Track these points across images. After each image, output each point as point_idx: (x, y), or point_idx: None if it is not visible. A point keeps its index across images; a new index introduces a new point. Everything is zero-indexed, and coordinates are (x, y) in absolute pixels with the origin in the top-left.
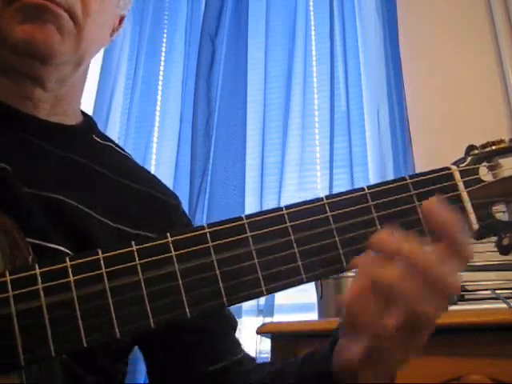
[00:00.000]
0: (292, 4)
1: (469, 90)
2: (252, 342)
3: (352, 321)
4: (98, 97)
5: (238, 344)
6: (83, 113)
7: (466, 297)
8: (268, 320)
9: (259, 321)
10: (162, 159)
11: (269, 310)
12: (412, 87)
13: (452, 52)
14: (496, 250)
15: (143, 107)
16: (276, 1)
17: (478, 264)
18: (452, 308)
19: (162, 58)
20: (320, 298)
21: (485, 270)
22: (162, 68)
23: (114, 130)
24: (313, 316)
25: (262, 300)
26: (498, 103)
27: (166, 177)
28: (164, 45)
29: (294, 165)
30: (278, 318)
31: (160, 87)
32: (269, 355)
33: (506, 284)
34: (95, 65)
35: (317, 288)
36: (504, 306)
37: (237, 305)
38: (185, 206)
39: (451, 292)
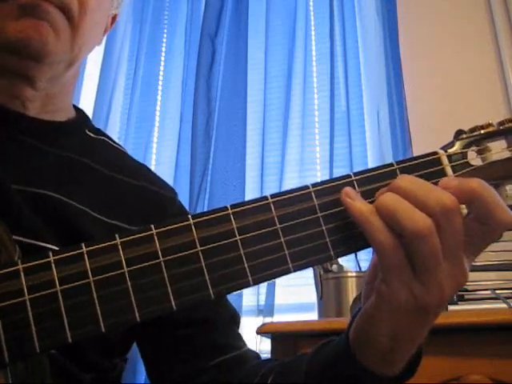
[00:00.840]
0: (292, 4)
1: (469, 90)
2: (252, 342)
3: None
4: (97, 97)
5: (239, 338)
6: (75, 107)
7: (466, 297)
8: (268, 320)
9: (259, 321)
10: (162, 159)
11: (269, 310)
12: (412, 87)
13: (452, 52)
14: (495, 250)
15: (143, 107)
16: (276, 1)
17: (478, 264)
18: (452, 308)
19: (162, 58)
20: (320, 297)
21: (485, 270)
22: (162, 68)
23: (114, 130)
24: (313, 316)
25: (262, 300)
26: (498, 103)
27: (166, 177)
28: (164, 45)
29: (294, 165)
30: (278, 318)
31: (160, 87)
32: (269, 355)
33: (506, 284)
34: (95, 65)
35: (317, 288)
36: (504, 305)
37: (236, 305)
38: (185, 206)
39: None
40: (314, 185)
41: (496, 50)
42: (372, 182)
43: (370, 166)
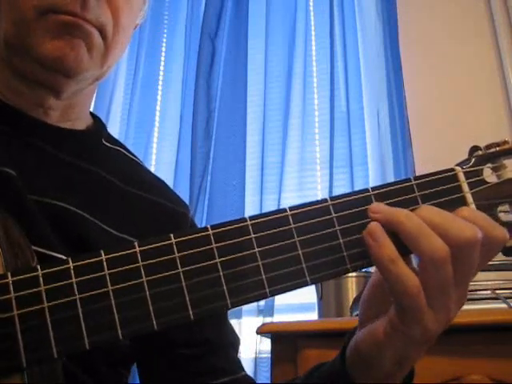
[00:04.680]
0: (292, 4)
1: (469, 89)
2: (252, 342)
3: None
4: (97, 97)
5: (238, 363)
6: (92, 114)
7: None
8: (268, 320)
9: (259, 321)
10: (162, 159)
11: (269, 310)
12: (412, 87)
13: (452, 52)
14: None
15: (143, 107)
16: (276, 1)
17: None
18: None
19: (162, 58)
20: (320, 298)
21: (485, 270)
22: (162, 68)
23: (114, 130)
24: (313, 316)
25: (262, 300)
26: (498, 103)
27: (166, 177)
28: (164, 45)
29: (294, 165)
30: (278, 317)
31: (160, 87)
32: (269, 355)
33: (506, 284)
34: None
35: (317, 288)
36: (504, 305)
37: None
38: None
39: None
40: (332, 198)
41: (496, 50)
42: (389, 196)
43: (370, 166)
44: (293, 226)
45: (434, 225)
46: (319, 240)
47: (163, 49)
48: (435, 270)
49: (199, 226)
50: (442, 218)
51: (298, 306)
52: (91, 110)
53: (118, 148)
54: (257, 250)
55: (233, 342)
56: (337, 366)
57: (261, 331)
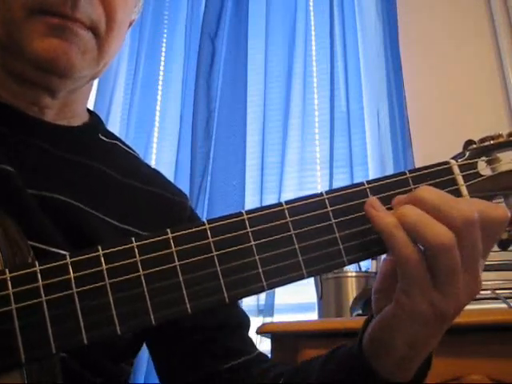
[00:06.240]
0: (292, 4)
1: (469, 89)
2: None
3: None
4: (97, 97)
5: (251, 343)
6: (89, 110)
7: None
8: (268, 320)
9: (259, 321)
10: (162, 159)
11: (269, 310)
12: (412, 87)
13: (452, 52)
14: (496, 250)
15: (143, 107)
16: (276, 1)
17: None
18: None
19: (162, 58)
20: (320, 297)
21: (485, 270)
22: (162, 68)
23: (114, 130)
24: (313, 316)
25: (262, 300)
26: (498, 103)
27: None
28: (164, 45)
29: (294, 165)
30: (278, 318)
31: (160, 87)
32: (269, 355)
33: (506, 284)
34: None
35: (317, 288)
36: (504, 305)
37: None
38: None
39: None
40: (328, 192)
41: (496, 50)
42: (385, 190)
43: (370, 166)
44: (289, 219)
45: (435, 208)
46: (315, 233)
47: (163, 49)
48: (440, 257)
49: None
50: (441, 199)
51: (298, 305)
52: (92, 109)
53: (115, 142)
54: (253, 243)
55: (245, 322)
56: (355, 356)
57: (261, 331)
